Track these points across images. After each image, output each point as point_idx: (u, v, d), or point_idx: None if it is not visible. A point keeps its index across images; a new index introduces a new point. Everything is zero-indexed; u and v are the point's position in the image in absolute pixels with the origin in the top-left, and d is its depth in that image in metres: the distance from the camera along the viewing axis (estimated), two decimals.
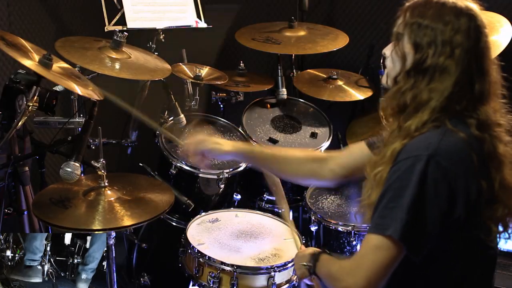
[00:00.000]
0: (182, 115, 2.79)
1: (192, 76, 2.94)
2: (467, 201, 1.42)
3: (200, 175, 2.70)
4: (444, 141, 1.43)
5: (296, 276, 2.31)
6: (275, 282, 2.21)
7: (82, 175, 2.48)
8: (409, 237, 1.41)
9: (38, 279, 2.00)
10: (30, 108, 2.04)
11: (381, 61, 1.66)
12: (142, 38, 3.11)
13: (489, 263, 1.55)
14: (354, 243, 2.59)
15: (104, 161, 2.17)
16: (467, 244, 1.48)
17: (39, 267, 2.01)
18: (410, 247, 1.42)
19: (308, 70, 3.38)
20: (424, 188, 1.40)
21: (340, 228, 2.61)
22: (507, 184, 1.48)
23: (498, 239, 1.55)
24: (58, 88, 2.34)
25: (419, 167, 1.40)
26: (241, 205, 2.94)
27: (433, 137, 1.44)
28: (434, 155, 1.40)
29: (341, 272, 1.52)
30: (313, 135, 3.05)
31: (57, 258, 2.05)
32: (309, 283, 1.76)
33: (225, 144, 1.97)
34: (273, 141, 2.96)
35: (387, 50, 1.58)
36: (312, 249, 1.78)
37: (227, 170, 2.70)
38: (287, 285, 2.29)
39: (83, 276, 2.05)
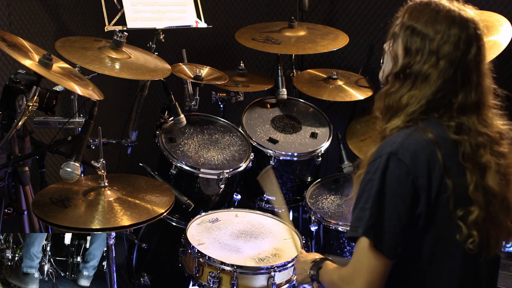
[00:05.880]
0: (182, 115, 2.79)
1: (192, 76, 2.94)
2: (428, 198, 1.45)
3: (200, 175, 2.70)
4: (409, 139, 1.47)
5: (295, 277, 2.31)
6: (275, 282, 2.21)
7: (82, 175, 2.48)
8: (373, 232, 1.44)
9: (34, 286, 2.00)
10: (30, 108, 2.04)
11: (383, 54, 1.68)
12: (142, 38, 3.11)
13: (473, 268, 1.53)
14: (354, 243, 2.59)
15: (104, 161, 2.17)
16: (444, 245, 1.49)
17: (36, 274, 2.01)
18: (376, 243, 1.44)
19: (308, 70, 3.38)
20: (385, 184, 1.44)
21: (340, 228, 2.61)
22: (489, 190, 1.48)
23: (487, 246, 1.51)
24: (58, 88, 2.34)
25: (381, 164, 1.45)
26: (241, 205, 2.95)
27: (400, 136, 1.49)
28: (396, 153, 1.45)
29: (342, 280, 1.54)
30: (313, 135, 3.05)
31: (57, 258, 2.05)
32: (308, 287, 1.76)
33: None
34: (273, 141, 2.96)
35: (386, 46, 1.62)
36: (313, 256, 1.78)
37: (227, 170, 2.70)
38: (287, 285, 2.29)
39: (85, 273, 2.05)
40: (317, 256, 1.77)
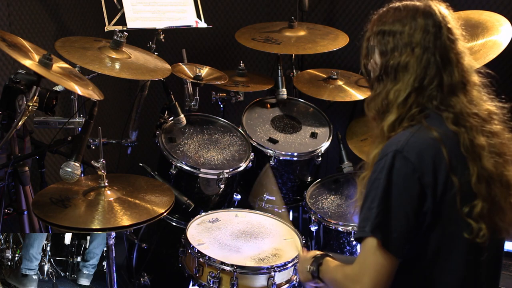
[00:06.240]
0: (182, 115, 2.79)
1: (192, 76, 2.94)
2: (434, 196, 1.45)
3: (200, 175, 2.70)
4: (414, 138, 1.48)
5: (296, 277, 2.31)
6: (275, 282, 2.21)
7: (82, 175, 2.48)
8: (380, 231, 1.44)
9: None
10: (30, 108, 2.04)
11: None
12: (142, 38, 3.11)
13: (475, 267, 1.54)
14: (354, 243, 2.59)
15: (104, 161, 2.17)
16: (449, 242, 1.49)
17: (35, 276, 2.01)
18: (383, 242, 1.44)
19: (308, 70, 3.38)
20: (391, 182, 1.45)
21: (340, 228, 2.61)
22: (488, 175, 1.50)
23: (496, 239, 1.54)
24: (58, 88, 2.34)
25: (387, 163, 1.46)
26: (241, 205, 2.95)
27: (405, 134, 1.50)
28: (401, 151, 1.46)
29: (347, 279, 1.53)
30: (313, 135, 3.05)
31: (57, 258, 2.05)
32: (314, 285, 1.76)
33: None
34: (273, 141, 2.96)
35: (369, 65, 1.65)
36: (314, 253, 1.79)
37: (227, 170, 2.70)
38: (287, 285, 2.29)
39: (85, 271, 2.05)
40: (318, 252, 1.77)
